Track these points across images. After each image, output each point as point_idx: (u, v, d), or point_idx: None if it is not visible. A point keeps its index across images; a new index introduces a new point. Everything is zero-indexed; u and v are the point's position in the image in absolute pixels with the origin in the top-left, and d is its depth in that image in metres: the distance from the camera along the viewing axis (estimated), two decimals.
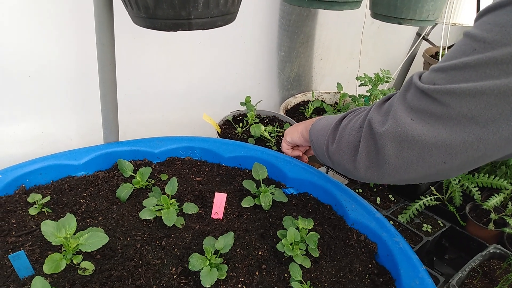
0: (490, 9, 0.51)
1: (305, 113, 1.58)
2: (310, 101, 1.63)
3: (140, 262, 0.75)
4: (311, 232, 0.83)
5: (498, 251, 0.98)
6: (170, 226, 0.83)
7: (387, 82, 1.45)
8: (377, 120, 0.63)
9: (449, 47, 1.82)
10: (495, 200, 1.09)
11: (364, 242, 0.85)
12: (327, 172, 1.06)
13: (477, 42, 0.50)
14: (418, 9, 1.19)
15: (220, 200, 0.88)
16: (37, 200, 0.86)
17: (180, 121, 1.45)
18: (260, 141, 1.29)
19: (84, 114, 1.18)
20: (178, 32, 0.72)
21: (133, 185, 0.94)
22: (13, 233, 0.79)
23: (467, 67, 0.51)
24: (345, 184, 0.98)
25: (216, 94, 1.50)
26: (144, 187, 0.96)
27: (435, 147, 0.55)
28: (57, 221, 0.74)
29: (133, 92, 1.24)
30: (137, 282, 0.70)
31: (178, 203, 0.89)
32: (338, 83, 1.60)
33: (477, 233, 1.09)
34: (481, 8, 1.50)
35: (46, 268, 0.68)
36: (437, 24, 1.76)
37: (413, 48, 2.01)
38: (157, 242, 0.80)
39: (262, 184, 0.95)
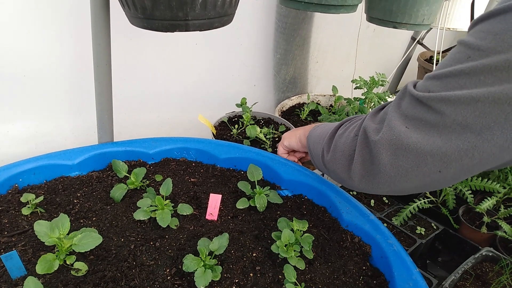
0: (483, 18, 0.51)
1: (300, 116, 1.58)
2: (306, 104, 1.64)
3: (134, 263, 0.74)
4: (306, 234, 0.83)
5: (490, 254, 0.98)
6: (165, 227, 0.83)
7: (382, 85, 1.46)
8: (372, 128, 0.63)
9: (443, 52, 1.84)
10: (487, 203, 1.10)
11: (358, 244, 0.85)
12: (322, 174, 1.06)
13: (472, 50, 0.51)
14: (413, 14, 1.20)
15: (215, 201, 0.88)
16: (30, 200, 0.85)
17: (175, 122, 1.44)
18: (255, 143, 1.29)
19: (79, 114, 1.17)
20: (174, 33, 0.72)
21: (127, 185, 0.94)
22: (6, 233, 0.79)
23: (461, 74, 0.51)
24: (340, 186, 0.99)
25: (212, 95, 1.50)
26: (138, 188, 0.96)
27: (430, 155, 0.54)
28: (50, 221, 0.73)
29: (129, 92, 1.24)
30: (131, 283, 0.70)
31: (173, 204, 0.88)
32: (333, 85, 1.61)
33: (470, 236, 1.10)
34: (475, 13, 1.52)
35: (39, 269, 0.67)
36: (431, 28, 1.78)
37: (408, 52, 2.03)
38: (151, 243, 0.80)
39: (257, 186, 0.95)
